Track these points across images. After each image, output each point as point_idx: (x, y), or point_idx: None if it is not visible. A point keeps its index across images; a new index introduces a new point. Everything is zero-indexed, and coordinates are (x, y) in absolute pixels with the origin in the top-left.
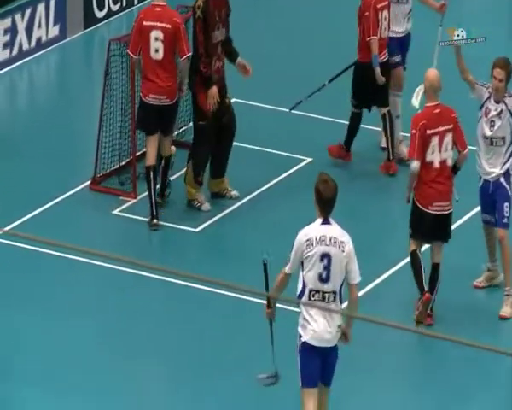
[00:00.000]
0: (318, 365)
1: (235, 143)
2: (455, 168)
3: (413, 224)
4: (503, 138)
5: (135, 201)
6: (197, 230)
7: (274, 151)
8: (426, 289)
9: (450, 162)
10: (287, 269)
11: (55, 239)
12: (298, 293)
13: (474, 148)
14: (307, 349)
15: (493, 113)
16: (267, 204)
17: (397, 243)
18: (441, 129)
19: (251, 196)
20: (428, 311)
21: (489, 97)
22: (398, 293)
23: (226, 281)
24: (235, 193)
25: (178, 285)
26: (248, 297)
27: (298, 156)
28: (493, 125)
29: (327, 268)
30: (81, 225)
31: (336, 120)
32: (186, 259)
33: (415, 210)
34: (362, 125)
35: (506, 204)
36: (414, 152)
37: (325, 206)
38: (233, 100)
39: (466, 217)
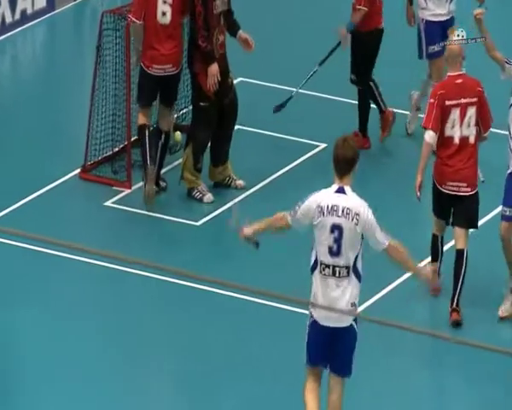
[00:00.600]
0: (325, 344)
1: (239, 128)
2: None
3: (433, 201)
4: None
5: (129, 191)
6: (198, 223)
7: (284, 136)
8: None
9: (473, 141)
10: (289, 218)
11: (39, 233)
12: (310, 265)
13: (504, 132)
14: (315, 327)
15: None
16: (277, 195)
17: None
18: (463, 101)
19: (258, 186)
20: (454, 305)
21: None
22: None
23: (234, 282)
24: (240, 182)
25: (183, 286)
26: (259, 299)
27: (311, 142)
28: None
29: (337, 241)
30: (69, 217)
31: (354, 102)
32: (186, 255)
33: (433, 186)
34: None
35: None
36: (429, 121)
37: (338, 166)
38: (237, 80)
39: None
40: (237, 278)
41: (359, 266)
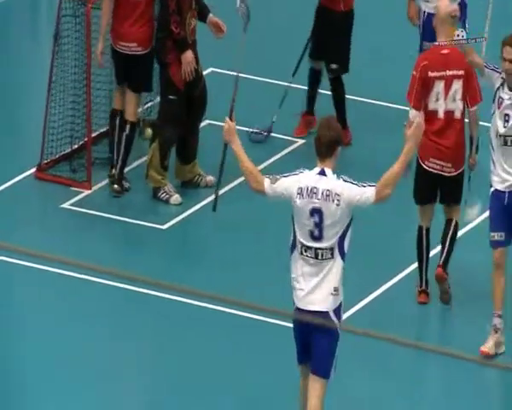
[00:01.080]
0: (305, 336)
1: (210, 122)
2: (471, 143)
3: (415, 186)
4: None
5: (89, 192)
6: (164, 227)
7: (260, 131)
8: (423, 285)
9: (459, 116)
10: (266, 184)
11: None
12: (289, 245)
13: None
14: (295, 313)
15: (507, 103)
16: (251, 195)
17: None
18: (448, 73)
19: (231, 185)
20: (441, 263)
21: (502, 85)
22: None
23: (203, 291)
24: (210, 178)
25: (148, 295)
26: (230, 310)
27: (289, 138)
28: (508, 120)
29: (318, 226)
30: (24, 220)
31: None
32: (151, 261)
33: (417, 167)
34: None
35: None
36: (411, 98)
37: (321, 148)
38: (207, 70)
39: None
40: (206, 286)
41: (346, 244)
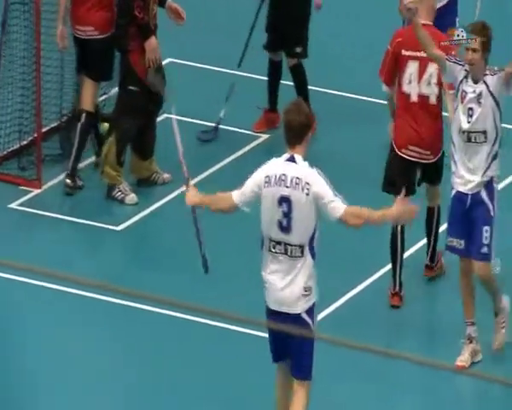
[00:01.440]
0: (277, 337)
1: (168, 116)
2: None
3: (386, 174)
4: (485, 133)
5: (39, 191)
6: (119, 228)
7: (221, 126)
8: (397, 287)
9: (434, 101)
10: (234, 196)
11: None
12: (260, 243)
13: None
14: (268, 315)
15: (471, 96)
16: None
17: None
18: (424, 55)
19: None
20: (427, 261)
21: (465, 77)
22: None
23: (159, 295)
24: (167, 176)
25: (103, 301)
26: (187, 316)
27: (251, 133)
28: (471, 115)
29: (287, 215)
30: None
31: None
32: (105, 264)
33: (390, 154)
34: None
35: (486, 228)
36: (383, 72)
37: (290, 134)
38: (166, 61)
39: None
40: (162, 290)
41: (315, 244)
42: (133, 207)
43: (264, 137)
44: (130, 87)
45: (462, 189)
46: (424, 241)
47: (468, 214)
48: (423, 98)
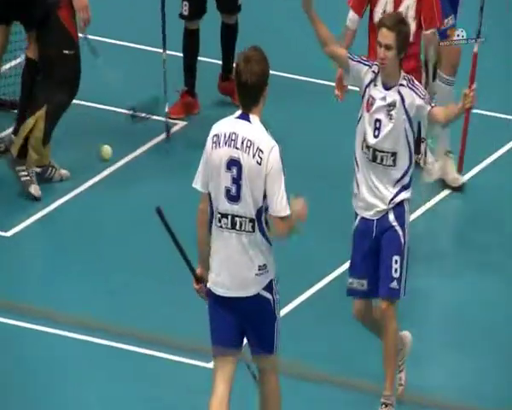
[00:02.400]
0: (231, 325)
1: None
2: (427, 71)
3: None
4: (394, 156)
5: None
6: (8, 234)
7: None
8: None
9: (410, 39)
10: (194, 184)
11: None
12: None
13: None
14: (214, 301)
15: (380, 104)
16: (119, 188)
17: None
18: None
19: (96, 178)
20: None
21: (373, 80)
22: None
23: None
24: (65, 172)
25: None
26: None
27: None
28: (379, 127)
29: (236, 181)
30: None
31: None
32: None
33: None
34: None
35: (395, 258)
36: None
37: (241, 96)
38: None
39: None
40: (58, 307)
41: (266, 218)
42: (25, 210)
43: (181, 124)
44: (66, 51)
45: (366, 214)
46: None
47: (375, 245)
48: None
